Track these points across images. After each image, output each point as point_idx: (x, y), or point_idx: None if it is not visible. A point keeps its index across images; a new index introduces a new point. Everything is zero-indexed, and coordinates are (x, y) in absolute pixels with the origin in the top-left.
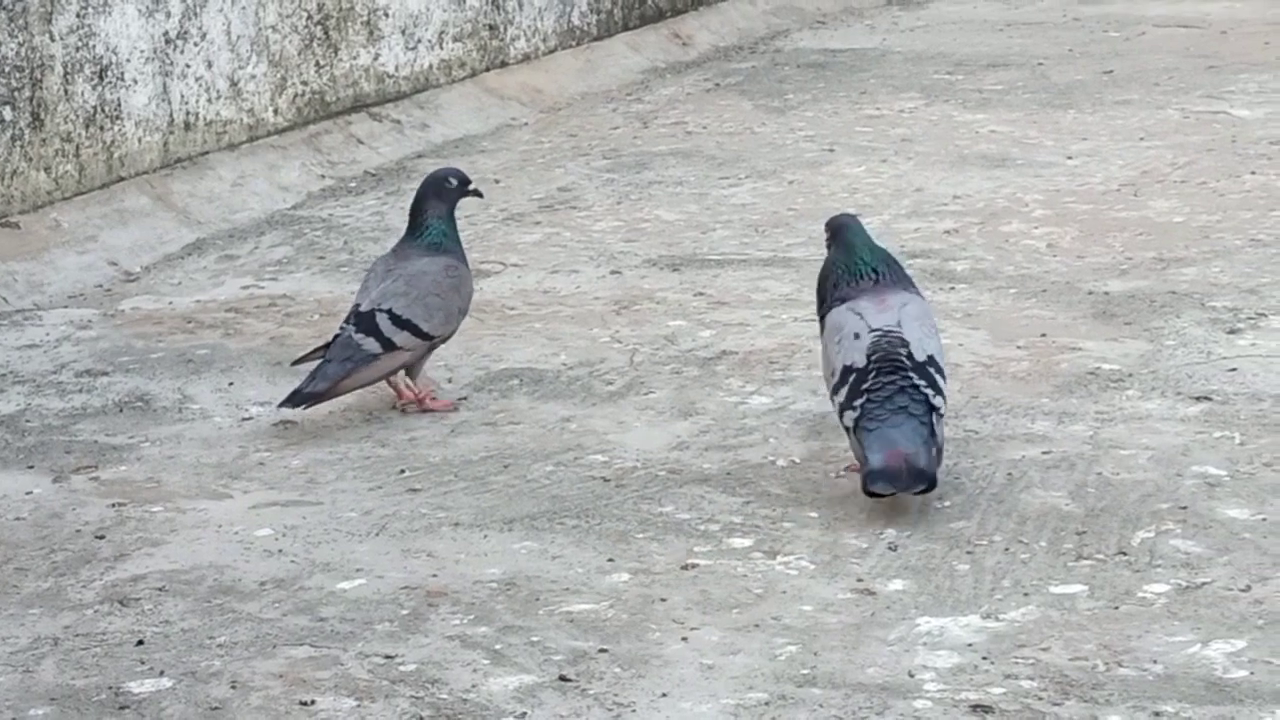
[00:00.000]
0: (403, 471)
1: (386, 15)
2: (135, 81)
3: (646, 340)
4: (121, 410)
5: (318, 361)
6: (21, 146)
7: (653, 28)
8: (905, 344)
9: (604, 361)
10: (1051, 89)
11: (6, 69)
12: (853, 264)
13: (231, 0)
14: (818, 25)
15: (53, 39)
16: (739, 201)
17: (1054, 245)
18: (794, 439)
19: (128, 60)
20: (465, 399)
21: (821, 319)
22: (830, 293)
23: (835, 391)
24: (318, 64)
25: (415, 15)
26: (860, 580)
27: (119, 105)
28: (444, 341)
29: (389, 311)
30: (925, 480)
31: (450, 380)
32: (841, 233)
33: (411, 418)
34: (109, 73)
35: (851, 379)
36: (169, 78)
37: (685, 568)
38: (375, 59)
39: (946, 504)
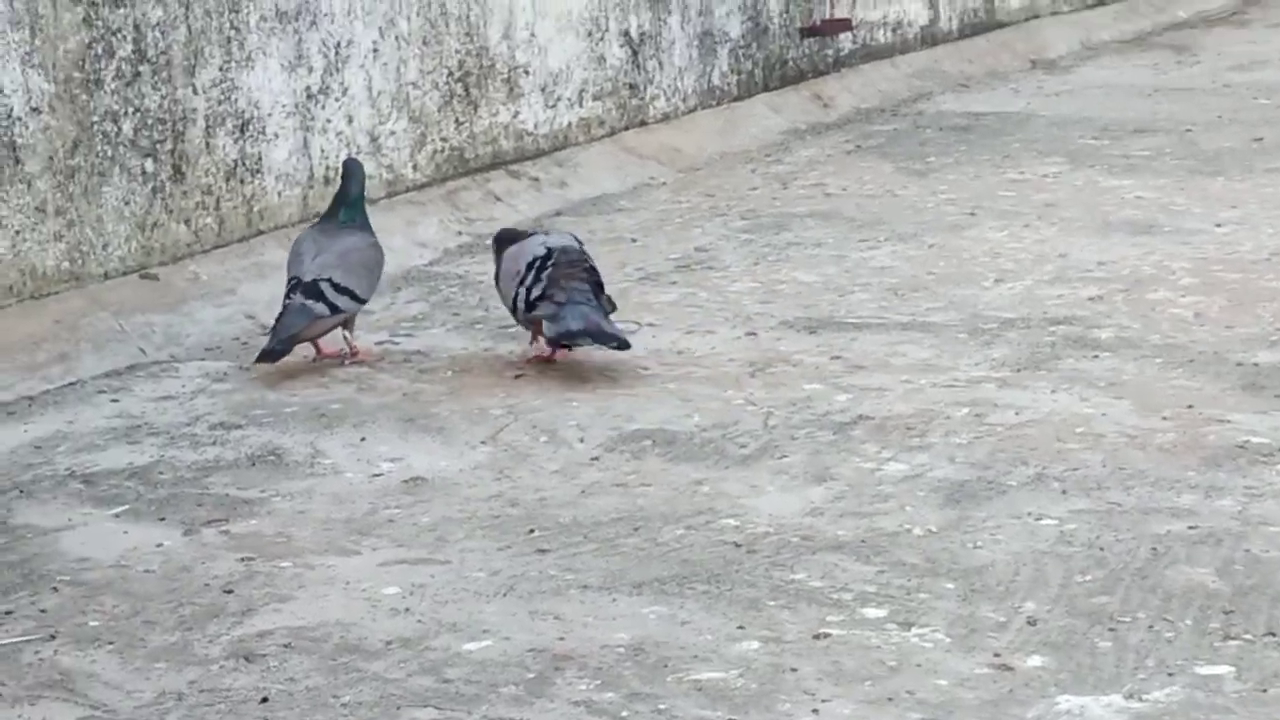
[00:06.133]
0: (532, 531)
1: (527, 73)
2: (276, 136)
3: (781, 403)
4: (254, 464)
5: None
6: (163, 199)
7: (793, 89)
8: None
9: (738, 424)
10: (1200, 155)
11: (150, 121)
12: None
13: (373, 56)
14: (961, 88)
15: (195, 92)
16: (878, 264)
17: (1201, 314)
18: (930, 507)
19: (269, 115)
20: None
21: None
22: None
23: (521, 283)
24: (457, 121)
25: (555, 73)
26: (998, 655)
27: (260, 159)
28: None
29: (329, 280)
30: (617, 340)
31: (583, 440)
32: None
33: (542, 477)
34: (250, 126)
35: (535, 266)
36: (310, 132)
37: (817, 637)
38: (515, 116)
39: (1088, 578)
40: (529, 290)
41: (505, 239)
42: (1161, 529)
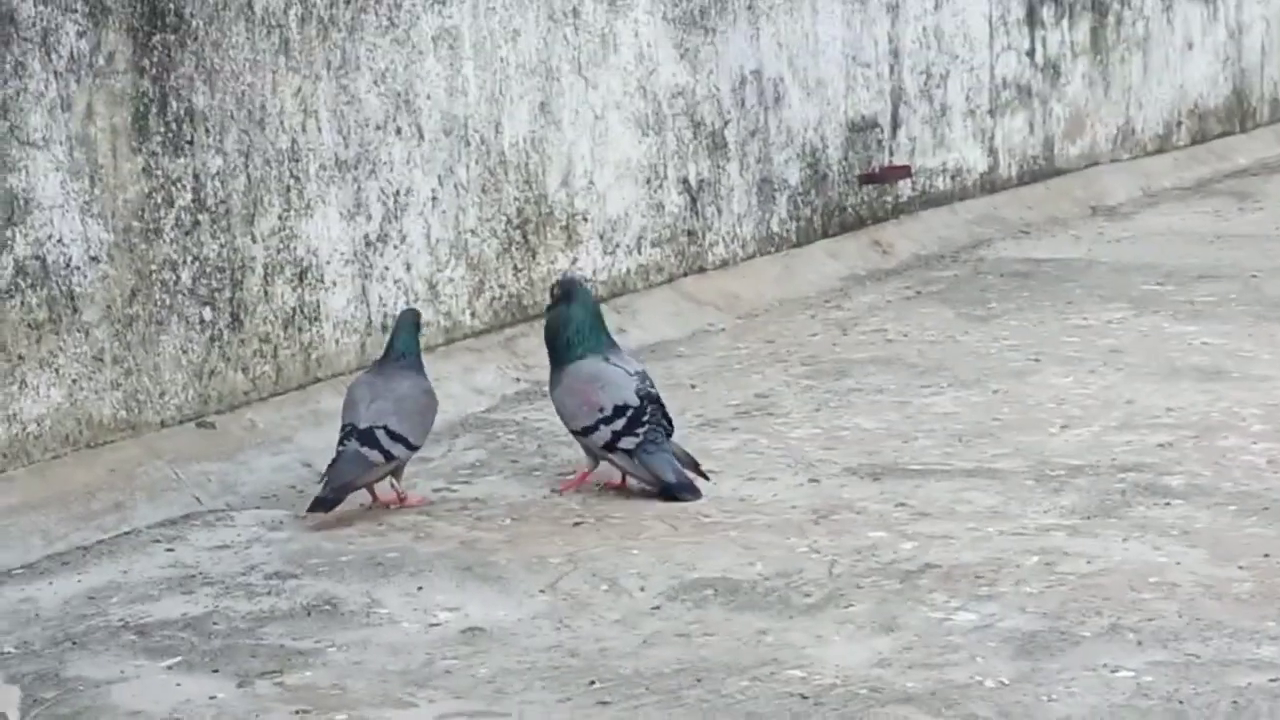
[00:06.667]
0: (593, 683)
1: (585, 220)
2: (334, 283)
3: (846, 551)
4: (309, 614)
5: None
6: (220, 347)
7: (852, 235)
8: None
9: (802, 572)
10: (1265, 301)
11: (208, 270)
12: (588, 326)
13: (432, 204)
14: (1021, 234)
15: (254, 240)
16: (941, 410)
17: (1274, 461)
18: (1002, 658)
19: (328, 262)
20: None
21: (559, 369)
22: (568, 347)
23: (607, 423)
24: (515, 267)
25: (614, 220)
26: None
27: (318, 307)
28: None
29: (384, 428)
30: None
31: (643, 589)
32: (572, 293)
33: (602, 627)
34: (309, 274)
35: (629, 413)
36: (368, 280)
37: None
38: (573, 263)
39: None
40: (617, 435)
41: (567, 295)
42: (1242, 681)
